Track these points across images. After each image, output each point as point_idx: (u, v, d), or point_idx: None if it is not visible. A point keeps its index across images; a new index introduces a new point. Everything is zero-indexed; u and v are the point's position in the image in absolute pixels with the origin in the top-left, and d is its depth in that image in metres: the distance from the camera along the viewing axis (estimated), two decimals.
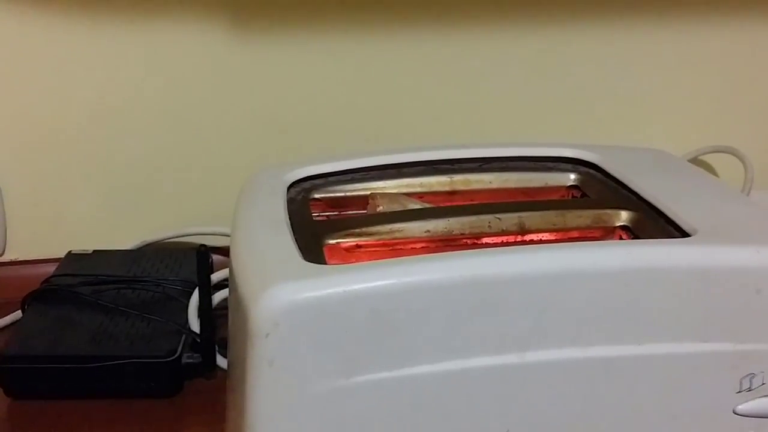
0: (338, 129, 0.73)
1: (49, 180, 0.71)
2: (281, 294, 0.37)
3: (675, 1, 0.74)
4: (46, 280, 0.64)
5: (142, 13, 0.68)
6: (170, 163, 0.72)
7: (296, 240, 0.42)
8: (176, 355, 0.56)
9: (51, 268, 0.67)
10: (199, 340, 0.58)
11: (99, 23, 0.67)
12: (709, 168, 0.80)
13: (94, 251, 0.69)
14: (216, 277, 0.64)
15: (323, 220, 0.48)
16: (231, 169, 0.72)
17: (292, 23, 0.70)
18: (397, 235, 0.44)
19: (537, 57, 0.74)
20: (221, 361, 0.57)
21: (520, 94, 0.75)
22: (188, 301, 0.61)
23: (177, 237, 0.72)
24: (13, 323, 0.64)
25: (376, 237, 0.44)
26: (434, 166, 0.52)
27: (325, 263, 0.41)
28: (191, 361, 0.57)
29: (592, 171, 0.52)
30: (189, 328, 0.59)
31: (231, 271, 0.43)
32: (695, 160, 0.78)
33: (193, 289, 0.62)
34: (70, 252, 0.69)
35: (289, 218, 0.45)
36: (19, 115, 0.69)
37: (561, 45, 0.74)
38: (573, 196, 0.52)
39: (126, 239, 0.72)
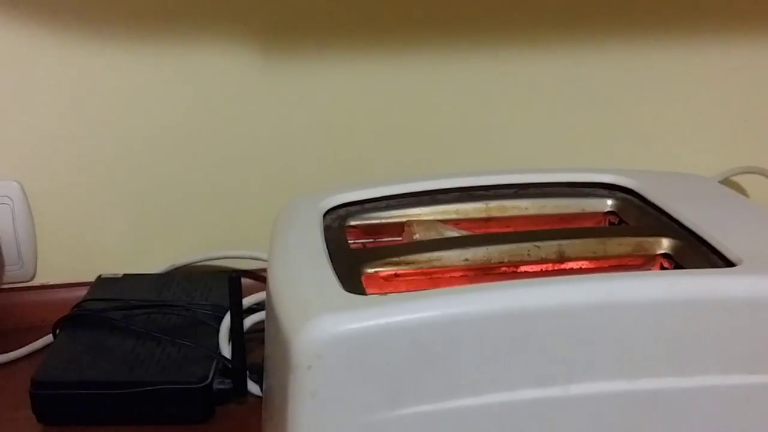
0: (372, 154, 0.73)
1: (80, 204, 0.71)
2: (323, 325, 0.37)
3: (701, 23, 0.74)
4: (77, 305, 0.64)
5: (173, 38, 0.68)
6: (199, 188, 0.72)
7: (335, 269, 0.42)
8: (208, 381, 0.56)
9: (81, 293, 0.67)
10: (230, 366, 0.57)
11: (130, 49, 0.68)
12: (739, 189, 0.79)
13: (124, 275, 0.69)
14: (246, 302, 0.63)
15: (360, 248, 0.48)
16: (259, 194, 0.72)
17: (324, 48, 0.70)
18: (436, 263, 0.44)
19: (568, 82, 0.74)
20: (252, 387, 0.57)
21: (550, 120, 0.75)
22: (219, 326, 0.61)
23: (206, 261, 0.72)
24: (44, 347, 0.64)
25: (415, 266, 0.44)
26: (469, 193, 0.52)
27: (365, 293, 0.40)
28: (222, 386, 0.57)
29: (629, 197, 0.52)
30: (220, 353, 0.59)
31: (269, 301, 0.43)
32: (724, 182, 0.78)
33: (223, 314, 0.62)
34: (100, 276, 0.69)
35: (327, 246, 0.44)
36: (50, 140, 0.69)
37: (590, 70, 0.74)
38: (610, 223, 0.52)
39: (155, 263, 0.72)
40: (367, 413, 0.37)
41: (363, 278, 0.42)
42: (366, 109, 0.72)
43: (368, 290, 0.41)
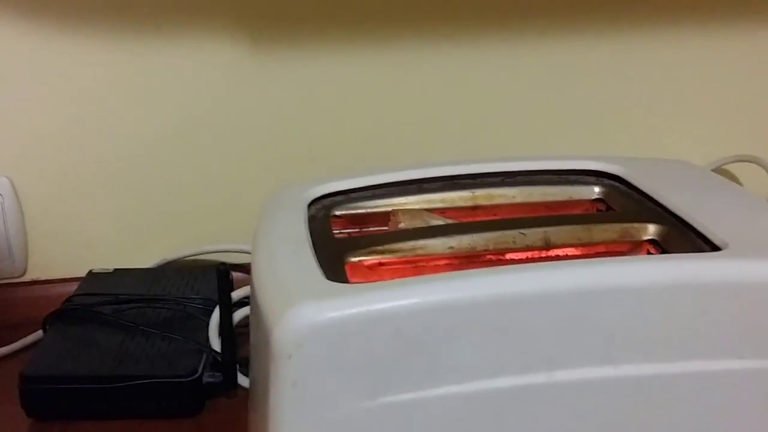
0: (359, 145, 0.72)
1: (70, 200, 0.71)
2: (304, 314, 0.36)
3: (696, 10, 0.74)
4: (67, 300, 0.64)
5: (160, 32, 0.68)
6: (189, 181, 0.72)
7: (318, 258, 0.41)
8: (197, 375, 0.56)
9: (72, 288, 0.67)
10: (220, 359, 0.57)
11: (118, 42, 0.68)
12: (732, 178, 0.79)
13: (115, 270, 0.69)
14: (236, 295, 0.63)
15: (345, 237, 0.48)
16: (250, 187, 0.72)
17: (311, 41, 0.70)
18: (420, 252, 0.44)
19: (557, 69, 0.73)
20: (242, 380, 0.57)
21: (540, 107, 0.74)
22: (209, 320, 0.61)
23: (197, 255, 0.72)
24: (35, 343, 0.64)
25: (399, 254, 0.43)
26: (456, 181, 0.51)
27: (348, 282, 0.40)
28: (212, 380, 0.57)
29: (616, 184, 0.51)
30: (210, 346, 0.59)
31: (252, 291, 0.42)
32: (718, 170, 0.77)
33: (214, 307, 0.61)
34: (90, 271, 0.69)
35: (310, 236, 0.44)
36: (40, 136, 0.69)
37: (580, 56, 0.73)
38: (598, 210, 0.51)
39: (146, 258, 0.72)
40: (349, 402, 0.37)
41: (346, 267, 0.42)
42: (352, 101, 0.72)
43: (352, 279, 0.41)
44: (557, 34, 0.72)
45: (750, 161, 0.76)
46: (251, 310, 0.44)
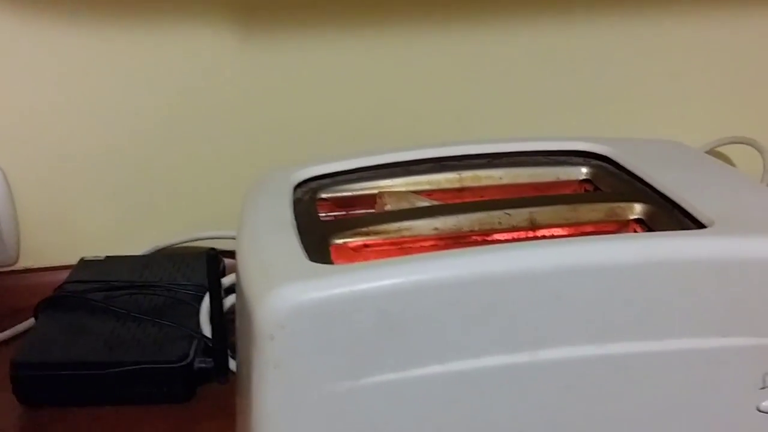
0: (349, 130, 0.72)
1: (62, 188, 0.71)
2: (286, 295, 0.36)
3: None
4: (59, 287, 0.64)
5: (149, 20, 0.68)
6: (180, 168, 0.72)
7: (302, 240, 0.41)
8: (188, 360, 0.56)
9: (64, 275, 0.67)
10: (211, 345, 0.57)
11: (108, 29, 0.67)
12: (726, 160, 0.78)
13: (107, 257, 0.69)
14: (227, 281, 0.63)
15: (330, 220, 0.47)
16: (242, 173, 0.72)
17: (299, 27, 0.69)
18: (406, 233, 0.43)
19: (550, 50, 0.73)
20: (234, 366, 0.57)
21: (533, 89, 0.74)
22: (200, 306, 0.61)
23: (189, 241, 0.72)
24: (26, 331, 0.64)
25: (384, 236, 0.43)
26: (442, 163, 0.51)
27: (332, 263, 0.40)
28: (203, 365, 0.57)
29: (604, 164, 0.51)
30: (201, 332, 0.59)
31: (237, 274, 0.42)
32: (712, 152, 0.77)
33: (205, 294, 0.61)
34: (82, 259, 0.69)
35: (295, 219, 0.44)
36: (31, 123, 0.69)
37: (573, 37, 0.73)
38: (585, 191, 0.51)
39: (138, 245, 0.72)
40: (332, 383, 0.37)
41: (331, 249, 0.42)
42: (341, 85, 0.71)
43: (336, 261, 0.41)
44: (548, 15, 0.72)
45: (744, 143, 0.75)
46: (236, 293, 0.44)
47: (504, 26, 0.72)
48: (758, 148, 0.73)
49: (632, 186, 0.48)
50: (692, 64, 0.76)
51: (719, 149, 0.77)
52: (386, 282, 0.37)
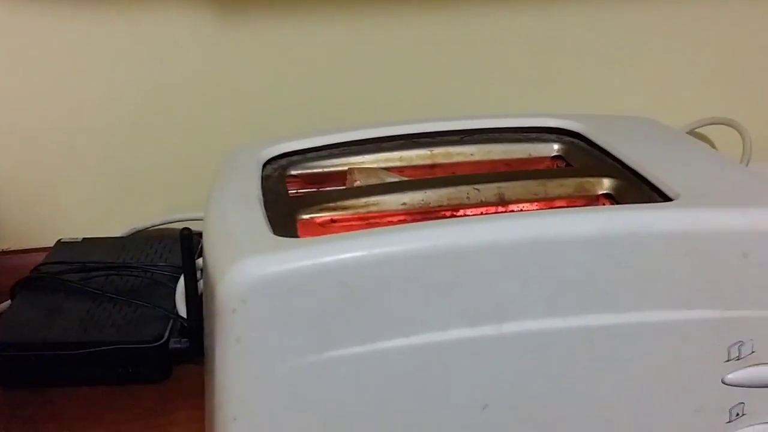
0: (324, 107, 0.72)
1: (39, 170, 0.71)
2: (247, 269, 0.36)
3: None
4: (35, 269, 0.64)
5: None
6: (159, 149, 0.71)
7: (268, 216, 0.41)
8: (163, 340, 0.56)
9: (41, 257, 0.66)
10: (186, 325, 0.57)
11: (82, 8, 0.67)
12: (707, 140, 0.78)
13: (84, 239, 0.69)
14: (202, 261, 0.63)
15: (298, 195, 0.47)
16: (220, 154, 0.71)
17: (272, 4, 0.69)
18: (373, 208, 0.43)
19: (530, 29, 0.72)
20: None
21: (511, 66, 0.74)
22: (176, 287, 0.61)
23: (167, 223, 0.72)
24: (2, 312, 0.63)
25: (351, 211, 0.43)
26: (414, 140, 0.51)
27: (297, 238, 0.40)
28: (179, 346, 0.56)
29: (576, 141, 0.51)
30: (177, 313, 0.59)
31: (203, 249, 0.42)
32: (693, 133, 0.77)
33: (182, 274, 0.61)
34: (59, 240, 0.69)
35: (263, 194, 0.44)
36: (6, 106, 0.69)
37: (554, 15, 0.72)
38: (557, 167, 0.51)
39: (117, 227, 0.71)
40: (295, 356, 0.37)
41: (298, 224, 0.42)
42: (322, 64, 0.71)
43: (303, 236, 0.41)
44: None
45: (725, 124, 0.75)
46: (203, 269, 0.43)
47: (481, 3, 0.71)
48: (738, 129, 0.73)
49: (602, 162, 0.47)
50: (675, 44, 0.75)
51: (700, 130, 0.77)
52: (349, 255, 0.37)
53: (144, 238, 0.70)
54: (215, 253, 0.39)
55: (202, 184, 0.72)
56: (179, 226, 0.72)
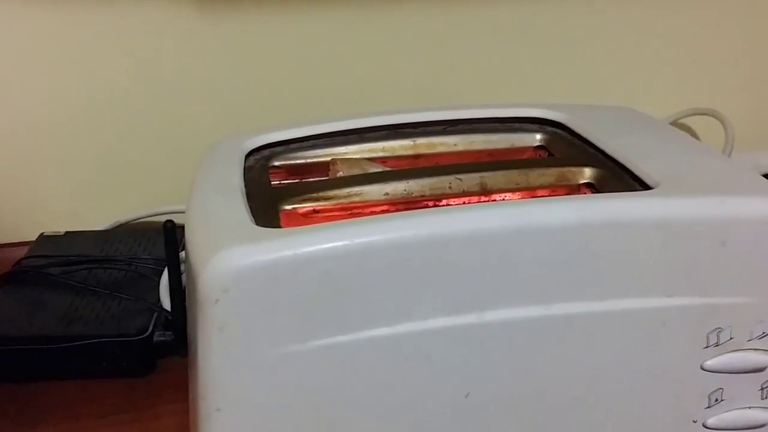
0: (307, 98, 0.72)
1: (21, 163, 0.70)
2: (230, 259, 0.36)
3: None
4: (18, 263, 0.63)
5: None
6: (142, 143, 0.71)
7: (250, 206, 0.41)
8: (147, 333, 0.56)
9: (24, 251, 0.66)
10: (170, 318, 0.57)
11: (62, 3, 0.66)
12: (690, 131, 0.79)
13: (66, 233, 0.69)
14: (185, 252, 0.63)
15: (280, 186, 0.47)
16: (204, 146, 0.71)
17: None
18: (356, 198, 0.43)
19: (513, 20, 0.73)
20: None
21: (494, 58, 0.74)
22: (160, 280, 0.61)
23: (151, 216, 0.71)
24: None
25: (334, 201, 0.43)
26: (397, 130, 0.51)
27: (278, 227, 0.40)
28: (163, 339, 0.56)
29: (558, 131, 0.51)
30: (161, 306, 0.58)
31: (185, 240, 0.42)
32: (676, 123, 0.77)
33: (165, 267, 0.61)
34: (42, 234, 0.68)
35: (246, 185, 0.44)
36: None
37: (537, 7, 0.73)
38: (540, 157, 0.51)
39: (100, 220, 0.71)
40: (278, 346, 0.37)
41: (280, 215, 0.42)
42: (303, 54, 0.71)
43: (285, 227, 0.41)
44: None
45: (707, 114, 0.76)
46: (185, 260, 0.43)
47: None
48: (721, 120, 0.74)
49: (584, 151, 0.48)
50: (655, 35, 0.76)
51: (684, 121, 0.78)
52: (332, 244, 0.37)
53: (127, 231, 0.70)
54: (197, 244, 0.39)
55: (185, 176, 0.71)
56: (162, 218, 0.71)
